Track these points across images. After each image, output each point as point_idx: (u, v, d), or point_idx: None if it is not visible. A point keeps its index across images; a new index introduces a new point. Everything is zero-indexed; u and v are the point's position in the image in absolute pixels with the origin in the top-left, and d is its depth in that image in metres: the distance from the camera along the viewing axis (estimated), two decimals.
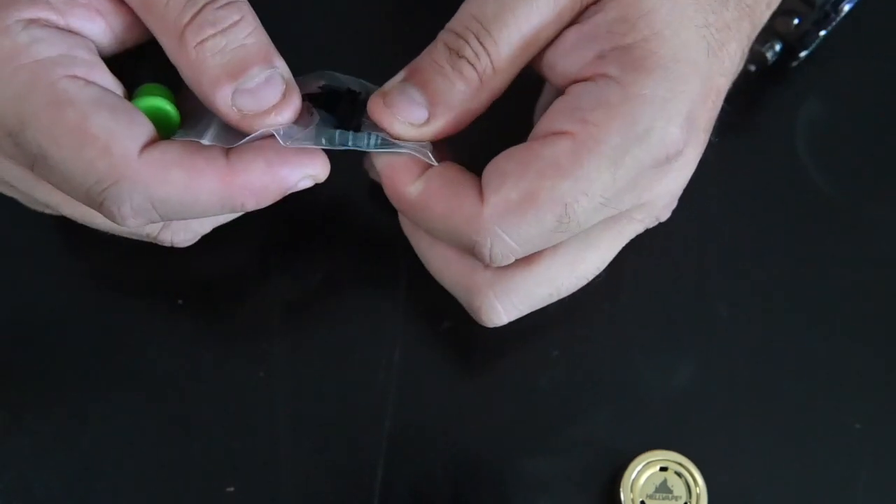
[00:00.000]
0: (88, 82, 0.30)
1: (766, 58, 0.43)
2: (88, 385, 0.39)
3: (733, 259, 0.41)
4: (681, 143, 0.31)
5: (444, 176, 0.32)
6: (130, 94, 0.32)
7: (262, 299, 0.40)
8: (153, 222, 0.31)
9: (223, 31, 0.30)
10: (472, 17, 0.31)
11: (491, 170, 0.31)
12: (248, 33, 0.31)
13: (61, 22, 0.31)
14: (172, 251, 0.36)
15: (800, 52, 0.43)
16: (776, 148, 0.43)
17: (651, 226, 0.35)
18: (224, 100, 0.30)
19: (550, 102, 0.38)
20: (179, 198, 0.30)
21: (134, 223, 0.31)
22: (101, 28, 0.32)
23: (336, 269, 0.41)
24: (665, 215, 0.36)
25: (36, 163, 0.30)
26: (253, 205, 0.31)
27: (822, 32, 0.42)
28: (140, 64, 0.34)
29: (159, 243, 0.36)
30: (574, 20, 0.32)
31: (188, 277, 0.40)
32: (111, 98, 0.30)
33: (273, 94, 0.31)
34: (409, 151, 0.32)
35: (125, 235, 0.36)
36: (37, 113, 0.29)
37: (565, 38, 0.32)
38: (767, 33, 0.41)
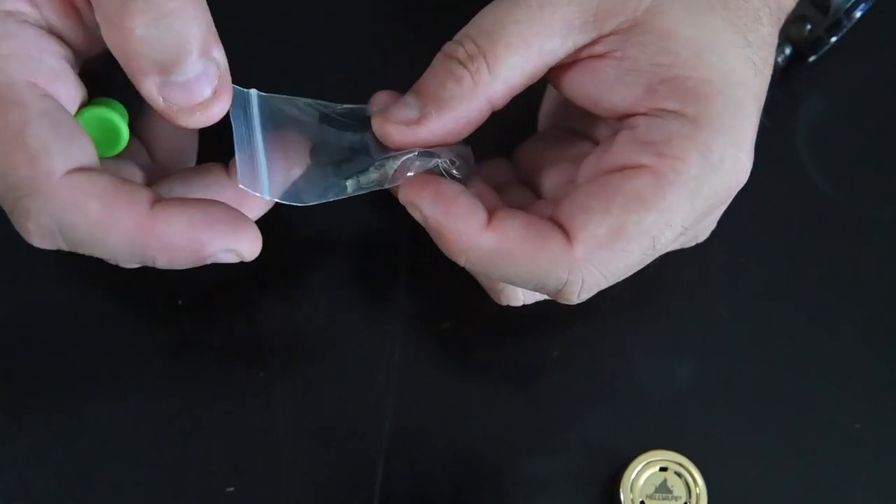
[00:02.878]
0: (45, 94, 0.30)
1: (777, 63, 0.43)
2: (88, 385, 0.39)
3: (733, 259, 0.41)
4: (748, 170, 0.31)
5: (518, 219, 0.31)
6: None
7: (261, 300, 0.40)
8: (59, 248, 0.30)
9: (158, 18, 0.28)
10: (474, 24, 0.32)
11: (572, 207, 0.31)
12: (185, 22, 0.28)
13: (36, 14, 0.30)
14: None
15: (809, 56, 0.43)
16: (776, 148, 0.43)
17: (687, 246, 0.35)
18: (150, 91, 0.29)
19: (554, 109, 0.38)
20: (89, 230, 0.29)
21: (38, 242, 0.30)
22: (76, 24, 0.31)
23: (336, 269, 0.41)
24: (704, 236, 0.35)
25: None
26: (164, 262, 0.30)
27: (833, 39, 0.43)
28: (106, 85, 0.33)
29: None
30: (595, 44, 0.31)
31: (188, 278, 0.39)
32: (61, 115, 0.30)
33: (205, 89, 0.30)
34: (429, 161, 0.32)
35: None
36: None
37: (604, 73, 0.31)
38: (779, 38, 0.41)
